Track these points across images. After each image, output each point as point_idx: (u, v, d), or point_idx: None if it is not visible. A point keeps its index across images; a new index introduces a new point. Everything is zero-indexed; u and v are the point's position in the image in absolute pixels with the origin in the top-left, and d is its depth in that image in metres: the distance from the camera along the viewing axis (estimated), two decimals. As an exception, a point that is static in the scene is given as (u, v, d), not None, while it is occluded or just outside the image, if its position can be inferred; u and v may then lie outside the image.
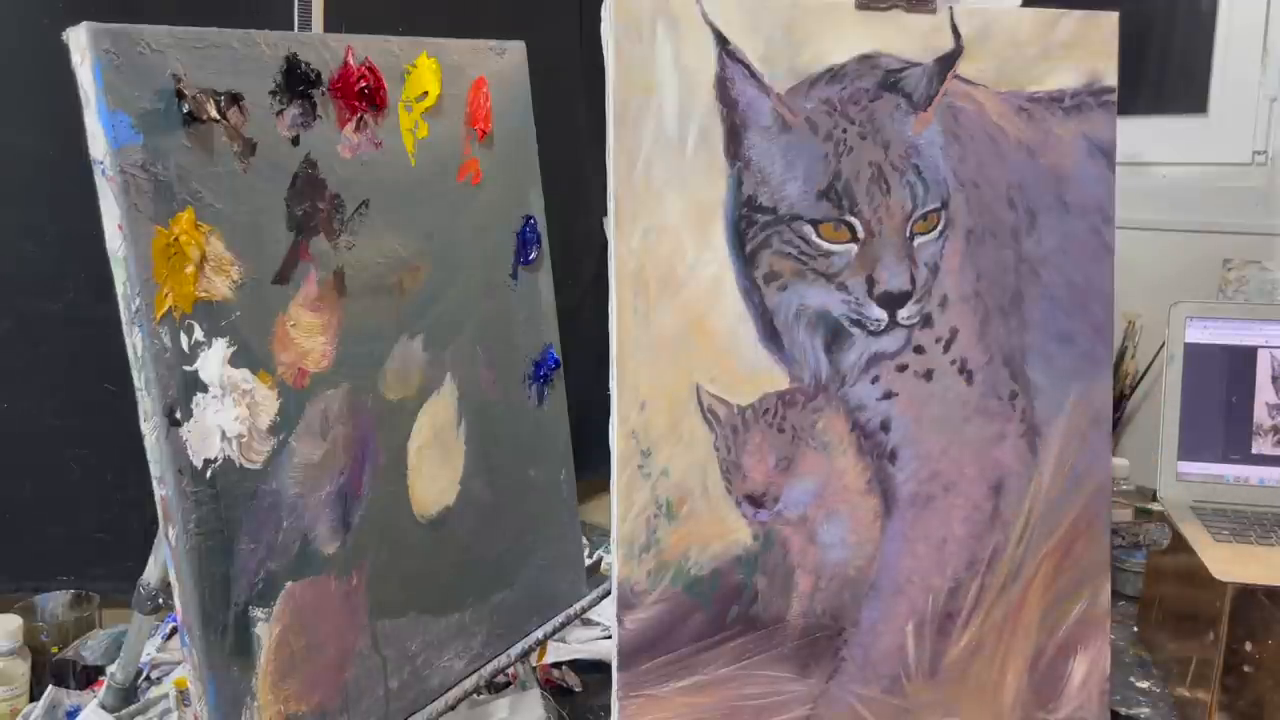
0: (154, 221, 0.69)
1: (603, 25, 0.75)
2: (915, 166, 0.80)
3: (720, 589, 0.78)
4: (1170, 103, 1.61)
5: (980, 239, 0.82)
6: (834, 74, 0.79)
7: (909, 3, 0.80)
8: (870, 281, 0.80)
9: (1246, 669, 0.94)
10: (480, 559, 0.97)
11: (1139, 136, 1.53)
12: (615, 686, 0.77)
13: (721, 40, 0.77)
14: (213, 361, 0.73)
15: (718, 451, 0.78)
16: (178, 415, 0.71)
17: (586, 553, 1.31)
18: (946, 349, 0.82)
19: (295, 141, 0.79)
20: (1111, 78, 0.84)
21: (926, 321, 0.81)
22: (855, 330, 0.80)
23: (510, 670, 1.04)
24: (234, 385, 0.74)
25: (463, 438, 0.95)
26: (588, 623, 1.19)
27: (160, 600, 0.89)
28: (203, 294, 0.72)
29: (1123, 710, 1.03)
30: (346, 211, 0.83)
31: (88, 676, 1.06)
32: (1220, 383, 1.21)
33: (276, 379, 0.77)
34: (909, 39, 0.80)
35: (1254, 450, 1.19)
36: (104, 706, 0.98)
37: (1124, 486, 1.30)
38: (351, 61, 0.83)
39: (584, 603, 1.07)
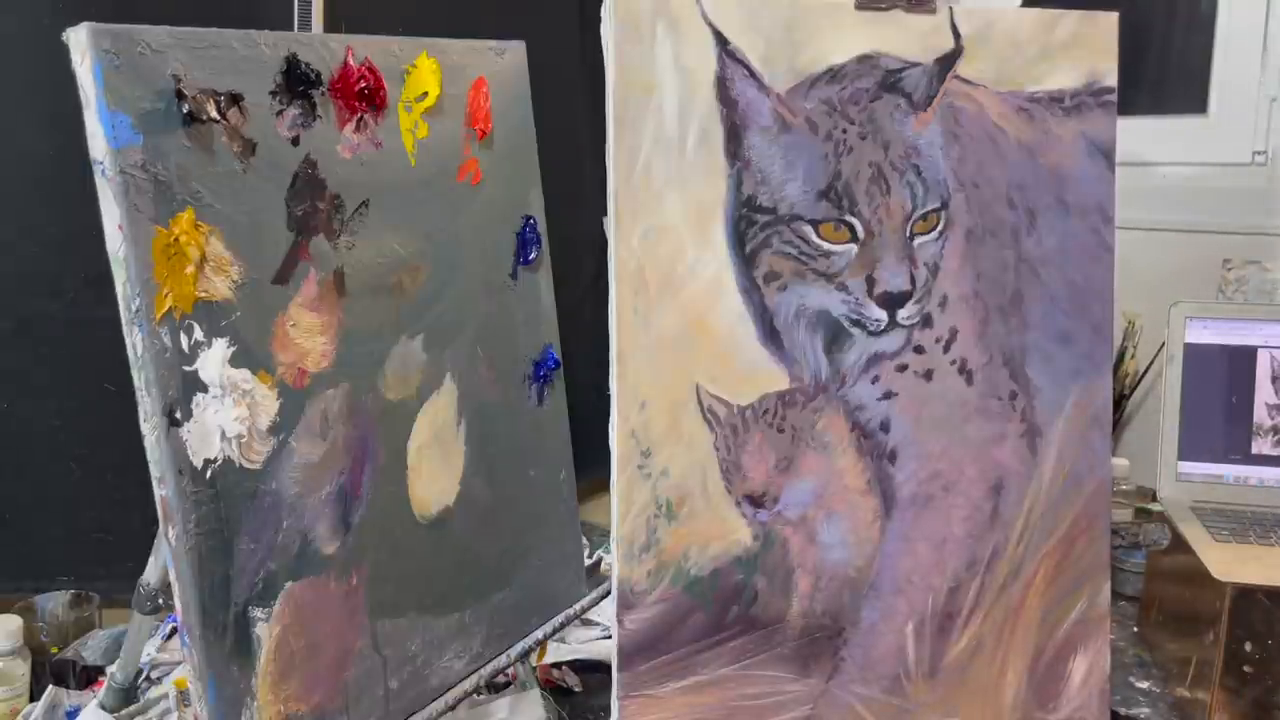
0: (154, 221, 0.70)
1: (603, 25, 0.75)
2: (915, 166, 0.80)
3: (720, 589, 0.78)
4: (1170, 103, 1.61)
5: (980, 239, 0.82)
6: (834, 74, 0.79)
7: (909, 3, 0.80)
8: (870, 282, 0.80)
9: (1246, 669, 0.94)
10: (480, 559, 0.97)
11: (1139, 136, 1.53)
12: (615, 686, 0.77)
13: (721, 40, 0.77)
14: (213, 361, 0.73)
15: (718, 451, 0.78)
16: (178, 415, 0.71)
17: (586, 553, 1.31)
18: (946, 349, 0.82)
19: (295, 141, 0.79)
20: (1111, 78, 0.84)
21: (926, 321, 0.81)
22: (855, 330, 0.80)
23: (510, 670, 1.04)
24: (234, 385, 0.74)
25: (462, 438, 0.95)
26: (588, 623, 1.19)
27: (160, 600, 0.89)
28: (203, 294, 0.72)
29: (1123, 710, 1.03)
30: (346, 211, 0.83)
31: (88, 676, 1.05)
32: (1220, 383, 1.21)
33: (276, 379, 0.77)
34: (909, 39, 0.80)
35: (1254, 450, 1.19)
36: (104, 706, 0.98)
37: (1124, 486, 1.30)
38: (351, 62, 0.83)
39: (584, 603, 1.07)
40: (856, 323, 0.80)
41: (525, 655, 1.02)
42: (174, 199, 0.71)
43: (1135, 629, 1.20)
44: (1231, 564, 0.98)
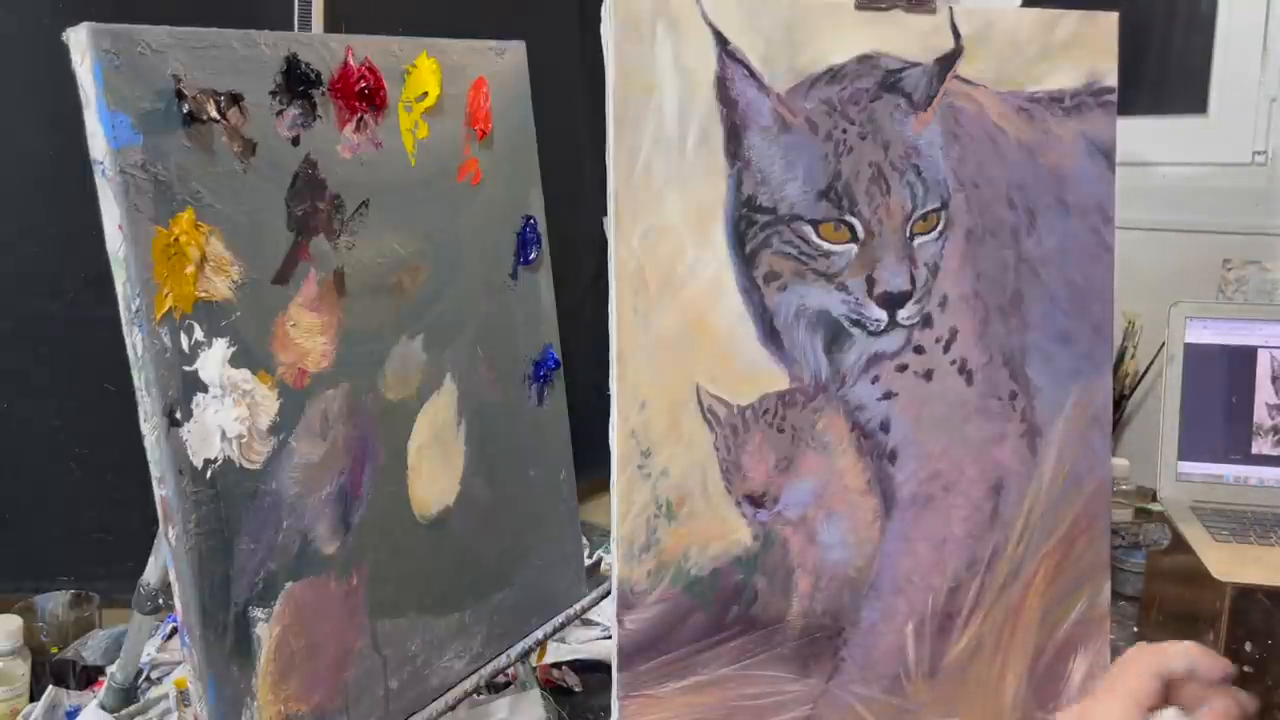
0: (154, 222, 0.70)
1: (603, 25, 0.75)
2: (915, 166, 0.80)
3: (720, 589, 0.78)
4: (1170, 103, 1.61)
5: (980, 239, 0.82)
6: (834, 74, 0.79)
7: (909, 3, 0.80)
8: (870, 282, 0.80)
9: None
10: (480, 559, 0.97)
11: (1139, 136, 1.53)
12: (615, 686, 0.77)
13: (721, 40, 0.77)
14: (213, 361, 0.73)
15: (718, 451, 0.78)
16: (178, 415, 0.71)
17: (586, 553, 1.31)
18: (946, 349, 0.82)
19: (295, 141, 0.79)
20: (1111, 78, 0.84)
21: (926, 322, 0.81)
22: (855, 330, 0.80)
23: (510, 670, 1.04)
24: (234, 385, 0.74)
25: (462, 438, 0.95)
26: (588, 623, 1.19)
27: (160, 600, 0.89)
28: (203, 294, 0.72)
29: (1123, 710, 1.03)
30: (346, 211, 0.83)
31: (88, 676, 1.05)
32: (1220, 383, 1.21)
33: (276, 379, 0.77)
34: (909, 39, 0.80)
35: (1254, 450, 1.20)
36: (104, 706, 0.98)
37: (1124, 486, 1.30)
38: (351, 62, 0.83)
39: (584, 603, 1.07)
40: (856, 323, 0.80)
41: (525, 655, 1.02)
42: (174, 199, 0.71)
43: (1135, 629, 1.20)
44: (1231, 564, 0.98)
